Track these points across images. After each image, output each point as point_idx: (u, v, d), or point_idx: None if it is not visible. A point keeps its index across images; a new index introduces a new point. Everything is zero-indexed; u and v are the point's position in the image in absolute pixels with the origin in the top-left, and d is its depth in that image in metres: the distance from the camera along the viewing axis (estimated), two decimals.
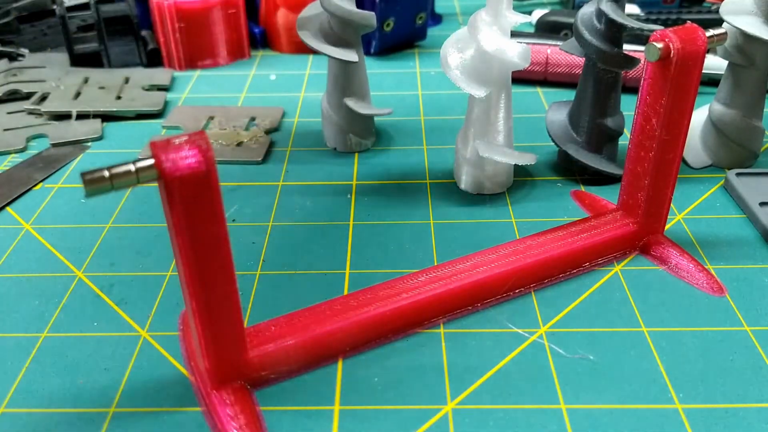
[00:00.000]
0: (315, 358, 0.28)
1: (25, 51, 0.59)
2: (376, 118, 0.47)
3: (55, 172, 0.43)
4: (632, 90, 0.50)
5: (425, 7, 0.60)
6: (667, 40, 0.29)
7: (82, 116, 0.49)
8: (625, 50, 0.38)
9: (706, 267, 0.34)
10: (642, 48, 0.51)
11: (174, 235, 0.22)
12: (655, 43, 0.29)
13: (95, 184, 0.20)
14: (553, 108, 0.42)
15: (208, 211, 0.22)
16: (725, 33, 0.31)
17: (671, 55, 0.29)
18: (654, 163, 0.32)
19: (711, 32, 0.30)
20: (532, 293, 0.32)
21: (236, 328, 0.25)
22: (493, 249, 0.33)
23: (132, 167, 0.20)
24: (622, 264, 0.34)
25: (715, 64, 0.51)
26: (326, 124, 0.45)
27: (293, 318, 0.28)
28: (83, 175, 0.20)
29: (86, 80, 0.54)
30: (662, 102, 0.30)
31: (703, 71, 0.35)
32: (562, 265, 0.33)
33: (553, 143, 0.41)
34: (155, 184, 0.21)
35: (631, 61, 0.37)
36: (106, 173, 0.20)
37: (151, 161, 0.21)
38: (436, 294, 0.30)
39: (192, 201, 0.21)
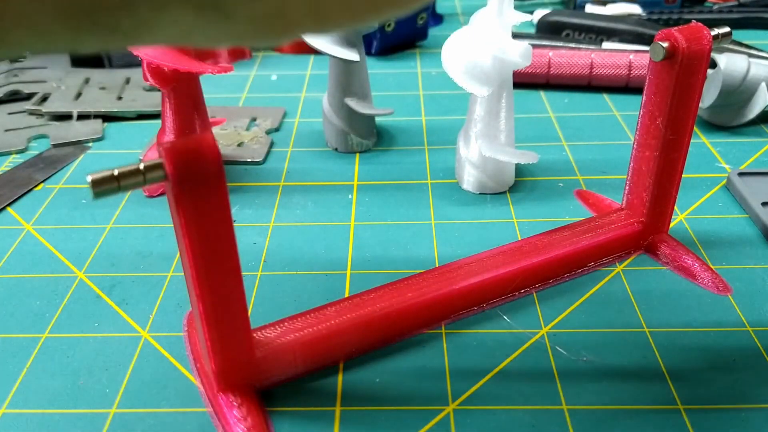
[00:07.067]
0: (320, 360, 0.28)
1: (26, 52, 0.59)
2: (377, 118, 0.47)
3: (56, 172, 0.43)
4: (637, 89, 0.50)
5: (426, 7, 0.60)
6: (672, 39, 0.29)
7: (83, 117, 0.49)
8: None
9: (711, 266, 0.33)
10: (645, 47, 0.51)
11: (181, 235, 0.22)
12: (660, 43, 0.29)
13: (103, 184, 0.20)
14: None
15: (215, 211, 0.21)
16: (730, 32, 0.30)
17: (676, 55, 0.29)
18: (659, 163, 0.32)
19: (716, 31, 0.30)
20: (534, 293, 0.32)
21: (243, 330, 0.25)
22: (496, 249, 0.33)
23: (140, 167, 0.20)
24: (626, 263, 0.34)
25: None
26: (327, 124, 0.45)
27: (298, 320, 0.28)
28: (90, 176, 0.20)
29: (87, 81, 0.53)
30: (667, 101, 0.30)
31: None
32: (567, 266, 0.33)
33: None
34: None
35: None
36: (115, 173, 0.20)
37: (159, 161, 0.20)
38: (438, 295, 0.30)
39: (199, 201, 0.21)
